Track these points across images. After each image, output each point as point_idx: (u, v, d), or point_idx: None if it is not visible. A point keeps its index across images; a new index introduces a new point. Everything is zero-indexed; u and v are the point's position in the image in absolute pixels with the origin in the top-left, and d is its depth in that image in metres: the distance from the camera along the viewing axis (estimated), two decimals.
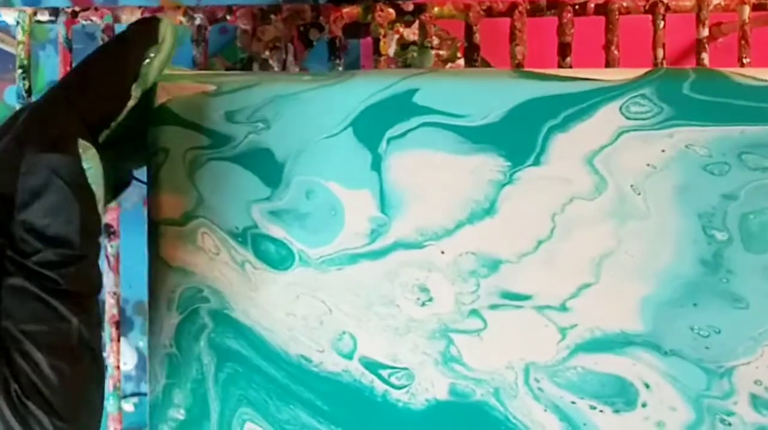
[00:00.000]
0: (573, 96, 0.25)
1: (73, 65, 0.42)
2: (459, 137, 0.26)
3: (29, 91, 0.45)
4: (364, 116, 0.27)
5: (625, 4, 0.46)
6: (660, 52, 0.43)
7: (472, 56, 0.40)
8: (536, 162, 0.25)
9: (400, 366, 0.27)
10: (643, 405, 0.25)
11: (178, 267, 0.29)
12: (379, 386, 0.28)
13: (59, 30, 0.45)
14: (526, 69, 0.27)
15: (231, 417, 0.29)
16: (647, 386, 0.25)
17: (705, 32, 0.51)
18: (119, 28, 0.44)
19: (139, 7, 0.45)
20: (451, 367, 0.27)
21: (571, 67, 0.41)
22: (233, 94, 0.28)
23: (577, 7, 0.47)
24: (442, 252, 0.26)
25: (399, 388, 0.27)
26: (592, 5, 0.49)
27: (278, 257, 0.28)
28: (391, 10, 0.45)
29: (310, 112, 0.27)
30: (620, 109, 0.24)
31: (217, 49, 0.69)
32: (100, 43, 0.44)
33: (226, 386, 0.29)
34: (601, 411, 0.25)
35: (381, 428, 0.28)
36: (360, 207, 0.27)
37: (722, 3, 0.48)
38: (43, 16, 0.46)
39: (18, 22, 0.46)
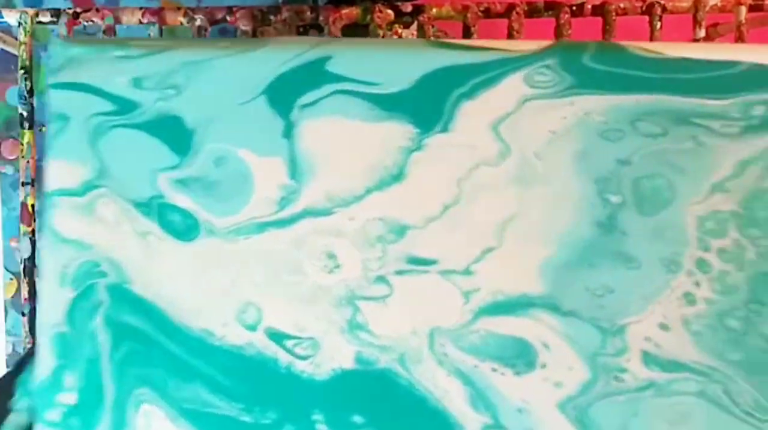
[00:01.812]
0: (481, 65, 0.26)
1: None
2: (370, 105, 0.27)
3: (31, 92, 0.48)
4: (276, 84, 0.28)
5: (622, 5, 0.50)
6: None
7: None
8: (444, 129, 0.26)
9: (306, 336, 0.28)
10: (543, 366, 0.26)
11: (73, 240, 0.28)
12: (284, 358, 0.28)
13: (60, 31, 0.48)
14: (436, 39, 0.29)
15: (126, 399, 0.28)
16: (546, 346, 0.26)
17: (702, 33, 0.55)
18: (120, 29, 0.49)
19: (140, 8, 0.48)
20: (357, 335, 0.28)
21: None
22: (141, 59, 0.28)
23: (574, 8, 0.51)
24: (351, 218, 0.27)
25: (303, 358, 0.28)
26: (589, 6, 0.53)
27: (184, 228, 0.28)
28: (390, 12, 0.50)
29: (222, 80, 0.28)
30: (524, 78, 0.26)
31: None
32: None
33: (122, 366, 0.28)
34: (502, 374, 0.27)
35: (284, 400, 0.28)
36: (270, 175, 0.28)
37: (719, 4, 0.53)
38: (45, 17, 0.49)
39: (20, 23, 0.49)
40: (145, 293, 0.29)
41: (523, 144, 0.26)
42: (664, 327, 0.26)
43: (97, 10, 0.50)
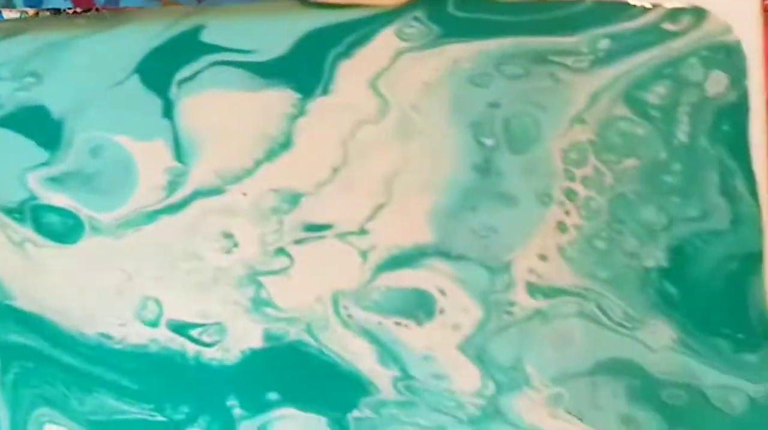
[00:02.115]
0: (353, 23, 0.27)
1: None
2: (249, 74, 0.27)
3: None
4: (148, 60, 0.27)
5: None
6: None
7: None
8: (325, 91, 0.27)
9: (211, 322, 0.28)
10: (441, 312, 0.28)
11: None
12: (191, 348, 0.28)
13: None
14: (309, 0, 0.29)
15: (26, 423, 0.27)
16: (443, 292, 0.28)
17: None
18: None
19: (140, 9, 0.48)
20: (263, 312, 0.28)
21: None
22: None
23: None
24: (244, 194, 0.27)
25: (211, 345, 0.28)
26: None
27: (64, 229, 0.27)
28: None
29: (88, 61, 0.27)
30: (396, 32, 0.27)
31: None
32: None
33: (15, 389, 0.27)
34: (405, 326, 0.28)
35: (196, 392, 0.28)
36: (154, 159, 0.27)
37: None
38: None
39: None
40: (30, 306, 0.28)
41: (401, 98, 0.27)
42: (542, 257, 0.28)
43: (98, 11, 0.51)
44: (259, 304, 0.28)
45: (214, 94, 0.27)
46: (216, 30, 0.27)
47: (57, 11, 0.54)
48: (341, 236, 0.28)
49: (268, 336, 0.29)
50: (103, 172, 0.27)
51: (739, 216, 0.28)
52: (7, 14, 0.49)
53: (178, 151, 0.27)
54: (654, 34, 0.27)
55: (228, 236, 0.28)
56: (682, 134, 0.28)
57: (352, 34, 0.27)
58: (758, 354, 0.28)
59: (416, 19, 0.27)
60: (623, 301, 0.28)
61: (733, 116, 0.28)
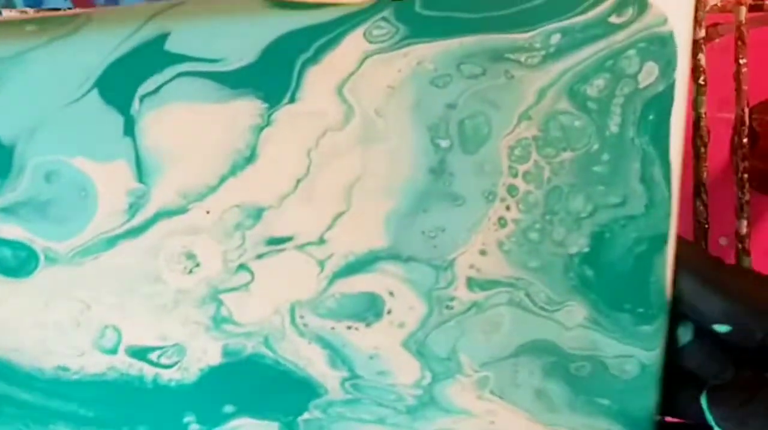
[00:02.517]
0: (322, 26, 0.29)
1: None
2: (216, 84, 0.29)
3: None
4: (109, 73, 0.28)
5: None
6: None
7: None
8: (292, 99, 0.29)
9: (170, 344, 0.31)
10: (389, 312, 0.33)
11: None
12: (149, 372, 0.30)
13: None
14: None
15: None
16: (391, 294, 0.32)
17: (702, 33, 0.65)
18: None
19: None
20: (223, 329, 0.31)
21: None
22: None
23: None
24: (208, 212, 0.30)
25: (170, 367, 0.31)
26: None
27: (16, 263, 0.29)
28: None
29: (41, 76, 0.27)
30: (364, 34, 0.29)
31: None
32: None
33: None
34: (356, 329, 0.32)
35: (154, 413, 0.30)
36: (114, 181, 0.28)
37: (719, 4, 0.61)
38: None
39: None
40: None
41: (366, 103, 0.30)
42: (483, 252, 0.33)
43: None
44: (219, 321, 0.31)
45: (178, 108, 0.29)
46: (181, 37, 0.28)
47: (57, 11, 0.56)
48: (301, 247, 0.31)
49: (226, 352, 0.32)
50: (59, 199, 0.28)
51: (653, 201, 0.34)
52: (7, 14, 0.53)
53: (140, 171, 0.29)
54: (601, 28, 0.31)
55: (190, 256, 0.30)
56: (614, 126, 0.33)
57: (321, 38, 0.29)
58: (653, 325, 0.36)
59: (384, 19, 0.30)
60: (548, 287, 0.34)
61: (658, 106, 0.33)
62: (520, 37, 0.32)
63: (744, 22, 0.64)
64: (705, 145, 0.70)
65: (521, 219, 0.35)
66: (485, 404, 0.38)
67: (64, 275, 0.29)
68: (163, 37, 0.28)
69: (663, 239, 0.37)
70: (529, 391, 0.38)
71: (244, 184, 0.30)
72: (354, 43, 0.30)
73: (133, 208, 0.29)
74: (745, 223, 0.71)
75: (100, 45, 0.27)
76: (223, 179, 0.30)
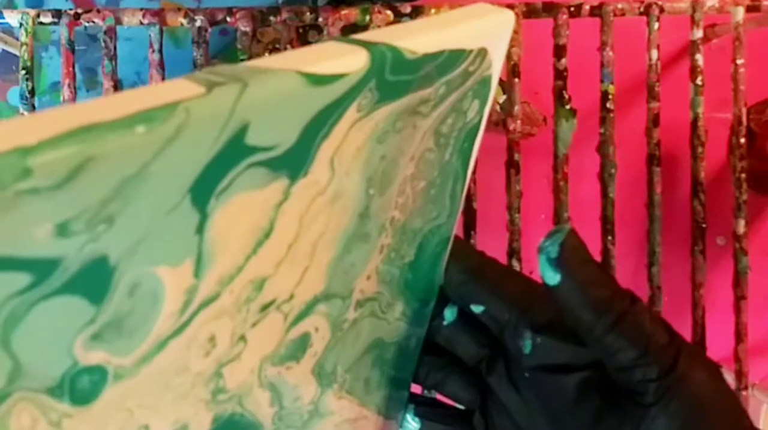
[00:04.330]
0: (337, 102, 0.31)
1: (76, 66, 0.64)
2: (267, 170, 0.30)
3: (32, 92, 0.62)
4: (201, 178, 0.27)
5: (620, 6, 0.50)
6: (654, 53, 0.50)
7: None
8: (305, 173, 0.32)
9: (179, 426, 0.34)
10: (311, 346, 0.40)
11: None
12: None
13: (62, 31, 0.63)
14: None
15: None
16: (317, 330, 0.41)
17: (699, 34, 0.56)
18: (121, 30, 0.65)
19: (141, 9, 0.60)
20: (217, 399, 0.36)
21: (566, 69, 0.39)
22: (67, 192, 0.23)
23: (572, 9, 0.46)
24: (231, 292, 0.33)
25: None
26: (587, 7, 0.50)
27: (90, 387, 0.29)
28: (389, 12, 0.59)
29: (153, 189, 0.25)
30: (357, 106, 0.32)
31: (217, 50, 0.94)
32: (102, 44, 0.65)
33: None
34: (290, 367, 0.40)
35: None
36: (180, 282, 0.30)
37: (716, 5, 0.52)
38: (46, 18, 0.63)
39: (21, 24, 0.63)
40: None
41: (341, 167, 0.34)
42: (368, 277, 0.44)
43: (98, 11, 0.61)
44: (216, 393, 0.38)
45: (239, 200, 0.30)
46: (259, 129, 0.28)
47: (58, 12, 0.50)
48: (278, 306, 0.39)
49: (214, 419, 0.38)
50: (134, 310, 0.29)
51: (452, 211, 0.47)
52: (8, 15, 0.59)
53: (199, 266, 0.31)
54: (464, 76, 0.39)
55: (212, 339, 0.35)
56: (448, 154, 0.43)
57: (335, 114, 0.32)
58: (429, 307, 0.48)
59: (370, 89, 0.33)
60: (389, 294, 0.47)
61: (473, 135, 0.44)
62: (425, 93, 0.38)
63: (741, 22, 0.67)
64: (702, 145, 0.76)
65: (391, 243, 0.43)
66: (341, 402, 0.46)
67: (124, 390, 0.31)
68: (245, 130, 0.28)
69: (449, 240, 0.48)
70: (362, 380, 0.48)
71: (259, 260, 0.34)
72: (350, 114, 0.34)
73: (185, 306, 0.32)
74: (742, 222, 0.78)
75: (194, 147, 0.26)
76: (247, 259, 0.34)
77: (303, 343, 0.40)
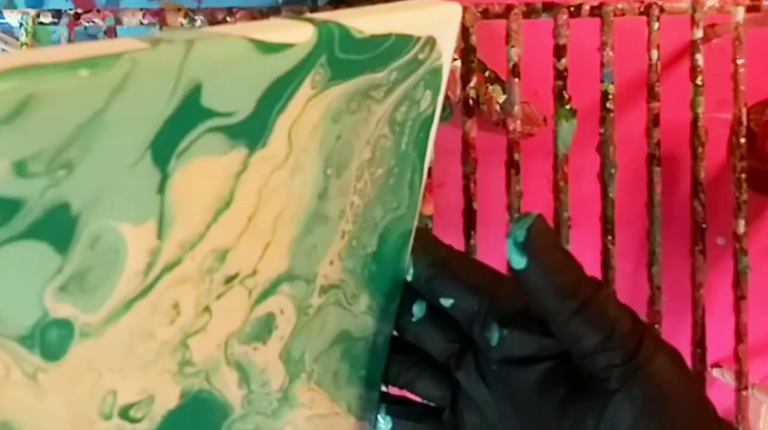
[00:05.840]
0: (291, 72, 0.32)
1: None
2: (225, 137, 0.31)
3: None
4: (161, 134, 0.28)
5: (620, 6, 0.52)
6: (654, 53, 0.51)
7: (469, 58, 0.41)
8: (264, 144, 0.33)
9: (144, 397, 0.35)
10: (276, 328, 0.41)
11: None
12: (128, 428, 0.35)
13: (62, 32, 0.65)
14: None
15: None
16: (282, 312, 0.42)
17: (699, 34, 0.57)
18: (121, 30, 0.66)
19: (141, 9, 0.60)
20: (183, 372, 0.37)
21: (566, 69, 0.40)
22: (17, 128, 0.24)
23: (572, 9, 0.48)
24: (193, 259, 0.34)
25: (140, 420, 0.35)
26: (588, 7, 0.52)
27: (59, 341, 0.30)
28: None
29: (112, 139, 0.26)
30: (311, 81, 0.34)
31: None
32: None
33: None
34: (256, 348, 0.41)
35: None
36: (142, 242, 0.31)
37: (716, 5, 0.53)
38: (46, 18, 0.64)
39: (21, 24, 0.64)
40: None
41: (300, 142, 0.36)
42: (331, 262, 0.45)
43: (98, 11, 0.61)
44: (183, 365, 0.39)
45: (198, 163, 0.31)
46: (211, 90, 0.30)
47: (58, 12, 0.53)
48: (241, 280, 0.40)
49: (182, 394, 0.39)
50: (95, 266, 0.30)
51: (411, 202, 0.48)
52: (9, 15, 0.59)
53: (161, 228, 0.32)
54: (415, 64, 0.42)
55: (176, 306, 0.36)
56: (404, 144, 0.45)
57: (290, 86, 0.34)
58: (396, 303, 0.49)
59: (321, 65, 0.35)
60: (354, 284, 0.49)
61: (427, 126, 0.45)
62: (377, 77, 0.40)
63: (741, 22, 0.69)
64: (702, 145, 0.76)
65: (351, 230, 0.44)
66: (310, 394, 0.47)
67: (90, 349, 0.31)
68: (198, 89, 0.30)
69: (410, 233, 0.49)
70: (330, 372, 0.51)
71: (220, 229, 0.36)
72: (305, 89, 0.35)
73: (149, 268, 0.33)
74: (742, 222, 0.78)
75: (152, 100, 0.28)
76: (208, 227, 0.36)
77: (268, 323, 0.41)
